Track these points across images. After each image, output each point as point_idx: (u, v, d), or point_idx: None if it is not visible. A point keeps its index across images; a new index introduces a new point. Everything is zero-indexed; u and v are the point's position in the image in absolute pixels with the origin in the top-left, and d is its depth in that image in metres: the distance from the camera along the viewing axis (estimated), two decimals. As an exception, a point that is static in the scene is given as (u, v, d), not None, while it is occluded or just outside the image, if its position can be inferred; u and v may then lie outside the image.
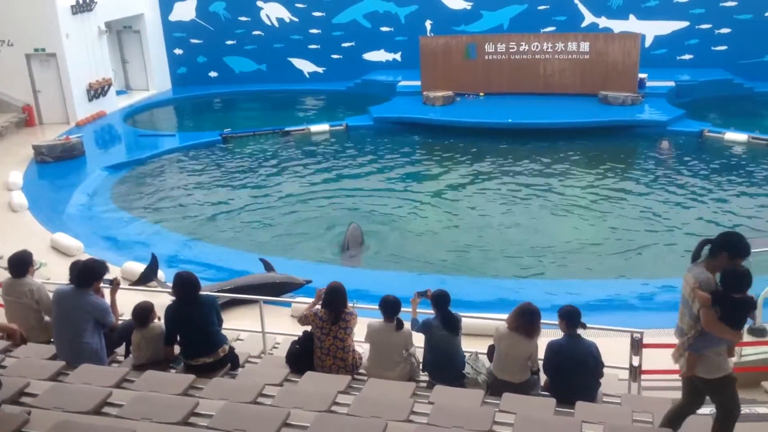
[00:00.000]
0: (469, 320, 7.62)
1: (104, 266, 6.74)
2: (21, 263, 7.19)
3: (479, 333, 8.35)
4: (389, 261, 13.19)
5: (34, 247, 8.98)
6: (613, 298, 11.03)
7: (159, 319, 6.69)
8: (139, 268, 11.86)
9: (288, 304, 10.51)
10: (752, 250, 5.09)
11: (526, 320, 6.44)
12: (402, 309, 6.97)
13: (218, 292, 10.19)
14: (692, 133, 19.79)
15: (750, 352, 7.72)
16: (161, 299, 8.64)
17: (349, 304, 6.99)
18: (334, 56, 27.52)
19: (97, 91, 23.99)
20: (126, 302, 7.74)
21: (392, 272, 12.44)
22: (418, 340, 7.09)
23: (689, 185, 16.46)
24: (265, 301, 9.06)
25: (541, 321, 7.23)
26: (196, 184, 18.03)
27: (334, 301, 6.76)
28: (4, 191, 16.44)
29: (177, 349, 6.67)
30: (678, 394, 7.40)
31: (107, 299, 6.91)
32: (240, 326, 9.25)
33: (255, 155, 20.19)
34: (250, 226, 15.19)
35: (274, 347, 8.69)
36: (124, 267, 12.02)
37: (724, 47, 24.55)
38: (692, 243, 14.16)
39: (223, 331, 6.96)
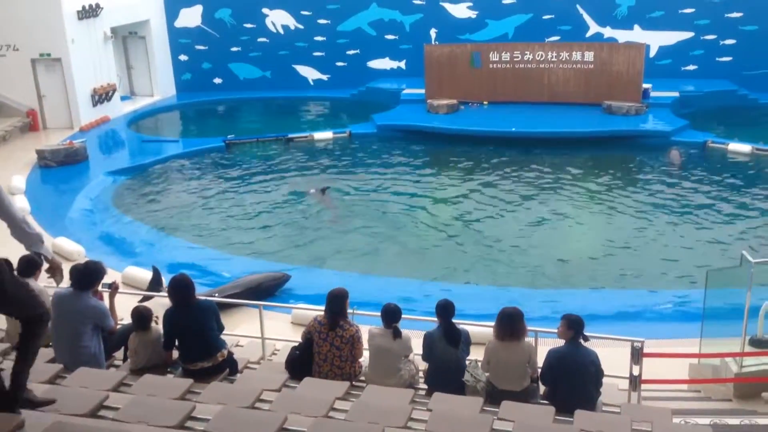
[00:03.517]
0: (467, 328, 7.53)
1: (103, 268, 6.72)
2: (28, 265, 7.06)
3: (478, 341, 8.28)
4: (395, 267, 13.17)
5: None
6: (615, 307, 10.99)
7: (157, 322, 6.67)
8: (139, 272, 11.87)
9: (289, 311, 10.51)
10: None
11: (509, 324, 6.42)
12: (404, 317, 6.94)
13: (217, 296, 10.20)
14: (696, 143, 19.77)
15: (751, 362, 7.67)
16: (163, 302, 8.63)
17: (350, 311, 6.95)
18: (339, 64, 27.60)
19: (102, 97, 24.06)
20: (125, 307, 7.74)
21: (398, 279, 12.42)
22: (420, 347, 7.05)
23: (693, 196, 16.42)
24: (266, 307, 9.05)
25: (541, 329, 7.25)
26: (199, 190, 18.05)
27: (333, 307, 6.74)
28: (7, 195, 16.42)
29: (176, 353, 6.65)
30: (678, 404, 7.38)
31: (106, 303, 6.90)
32: (240, 332, 9.26)
33: (258, 161, 20.21)
34: (252, 232, 15.19)
35: (274, 353, 8.67)
36: (125, 272, 12.02)
37: (728, 58, 24.56)
38: (695, 254, 14.14)
39: (223, 337, 6.94)
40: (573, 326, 6.43)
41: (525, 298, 11.14)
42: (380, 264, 13.39)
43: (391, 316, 6.80)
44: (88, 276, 6.54)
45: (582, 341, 6.46)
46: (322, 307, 6.87)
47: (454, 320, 6.81)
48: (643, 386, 7.26)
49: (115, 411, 4.64)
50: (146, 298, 9.96)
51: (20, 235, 4.48)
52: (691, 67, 24.91)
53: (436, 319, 6.89)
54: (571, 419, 5.73)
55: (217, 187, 18.20)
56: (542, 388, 6.71)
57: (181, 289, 6.42)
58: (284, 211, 16.31)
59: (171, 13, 27.94)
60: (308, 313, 8.94)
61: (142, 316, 6.69)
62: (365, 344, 6.95)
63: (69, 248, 13.08)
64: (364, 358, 7.04)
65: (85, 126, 23.01)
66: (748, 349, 7.71)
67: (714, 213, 15.43)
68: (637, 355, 7.17)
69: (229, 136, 21.72)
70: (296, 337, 7.58)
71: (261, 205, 16.71)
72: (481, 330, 8.17)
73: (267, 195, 17.46)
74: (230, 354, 6.66)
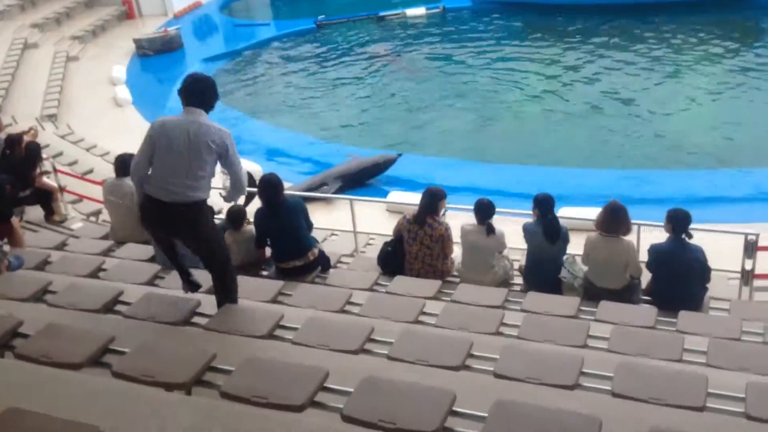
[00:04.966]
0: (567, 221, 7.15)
1: None
2: (125, 163, 6.95)
3: (579, 228, 7.81)
4: (496, 150, 12.77)
5: (137, 141, 9.07)
6: (731, 190, 10.28)
7: (249, 223, 6.70)
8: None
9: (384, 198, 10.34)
10: None
11: (615, 217, 6.05)
12: (499, 209, 6.66)
13: (313, 190, 10.33)
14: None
15: None
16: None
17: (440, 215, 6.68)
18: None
19: (194, -19, 23.87)
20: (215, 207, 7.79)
21: (498, 165, 12.04)
22: (515, 242, 6.80)
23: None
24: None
25: (644, 222, 6.84)
26: (292, 74, 17.95)
27: (426, 203, 6.55)
28: (109, 86, 16.82)
29: (269, 251, 6.70)
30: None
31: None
32: (336, 220, 9.19)
33: (350, 42, 19.73)
34: (346, 116, 15.01)
35: (369, 243, 8.59)
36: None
37: None
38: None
39: (318, 229, 6.91)
40: (671, 221, 6.01)
41: (631, 180, 10.61)
42: (481, 147, 12.98)
43: (484, 211, 6.54)
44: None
45: (686, 238, 6.04)
46: (413, 195, 6.66)
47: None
48: (757, 282, 6.80)
49: (206, 318, 4.70)
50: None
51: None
52: None
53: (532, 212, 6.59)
54: (675, 320, 5.44)
55: (310, 70, 18.01)
56: (644, 284, 6.38)
57: (270, 188, 6.36)
58: (381, 93, 15.97)
59: None
60: (401, 207, 8.83)
61: (236, 216, 6.73)
62: (457, 239, 6.76)
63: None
64: (457, 254, 6.88)
65: (179, 12, 23.02)
66: None
67: None
68: (752, 249, 6.67)
69: (320, 17, 21.22)
70: (391, 225, 7.39)
71: (354, 88, 16.44)
72: (582, 223, 7.79)
73: (360, 77, 17.12)
74: (321, 252, 6.64)
